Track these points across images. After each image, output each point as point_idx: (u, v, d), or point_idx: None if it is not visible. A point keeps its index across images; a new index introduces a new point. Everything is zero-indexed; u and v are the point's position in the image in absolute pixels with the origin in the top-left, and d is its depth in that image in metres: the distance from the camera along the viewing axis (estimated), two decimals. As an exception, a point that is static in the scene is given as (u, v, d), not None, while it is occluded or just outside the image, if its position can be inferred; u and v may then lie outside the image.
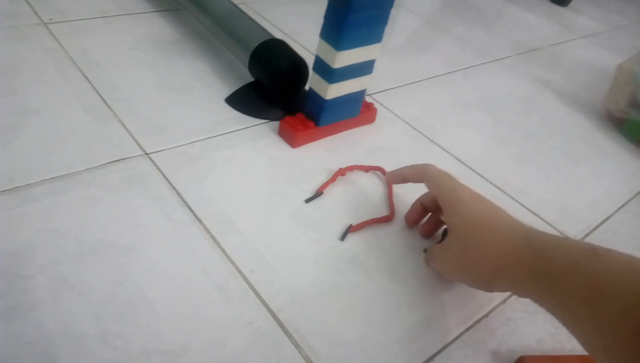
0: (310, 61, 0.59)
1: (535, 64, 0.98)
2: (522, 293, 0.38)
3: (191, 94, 0.63)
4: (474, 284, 0.42)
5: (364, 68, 0.57)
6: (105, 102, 0.58)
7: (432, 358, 0.41)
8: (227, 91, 0.65)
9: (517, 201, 0.60)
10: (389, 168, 0.60)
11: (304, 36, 0.83)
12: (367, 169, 0.58)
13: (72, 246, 0.42)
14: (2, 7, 0.71)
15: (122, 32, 0.72)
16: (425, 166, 0.48)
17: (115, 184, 0.48)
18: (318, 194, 0.52)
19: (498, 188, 0.62)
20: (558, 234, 0.56)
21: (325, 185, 0.54)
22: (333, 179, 0.55)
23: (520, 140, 0.72)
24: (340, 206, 0.53)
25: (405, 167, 0.51)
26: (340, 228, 0.50)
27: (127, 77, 0.63)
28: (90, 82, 0.61)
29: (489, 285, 0.40)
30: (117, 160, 0.51)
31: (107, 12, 0.76)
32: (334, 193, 0.54)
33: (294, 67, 0.60)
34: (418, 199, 0.51)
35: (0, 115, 0.53)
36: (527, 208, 0.60)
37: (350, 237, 0.49)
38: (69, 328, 0.36)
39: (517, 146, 0.71)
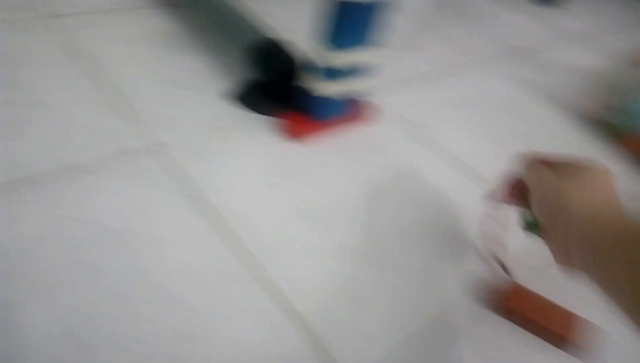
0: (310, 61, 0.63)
1: (522, 65, 1.02)
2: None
3: (194, 88, 0.66)
4: (557, 232, 0.38)
5: (363, 69, 0.61)
6: (113, 94, 0.61)
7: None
8: (229, 87, 0.68)
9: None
10: (381, 165, 0.63)
11: (302, 34, 0.86)
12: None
13: (93, 232, 0.45)
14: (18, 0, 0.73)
15: (128, 26, 0.74)
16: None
17: (128, 174, 0.51)
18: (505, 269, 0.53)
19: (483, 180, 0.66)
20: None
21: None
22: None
23: (508, 139, 0.76)
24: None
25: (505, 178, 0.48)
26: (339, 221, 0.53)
27: (132, 71, 0.66)
28: (98, 74, 0.63)
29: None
30: (127, 151, 0.54)
31: (114, 4, 0.78)
32: (336, 183, 0.58)
33: (294, 66, 0.64)
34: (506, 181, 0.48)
35: (13, 106, 0.55)
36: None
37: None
38: (93, 308, 0.40)
39: (505, 145, 0.75)
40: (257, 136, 0.62)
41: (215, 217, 0.50)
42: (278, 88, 0.65)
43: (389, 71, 0.84)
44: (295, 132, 0.61)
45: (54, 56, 0.64)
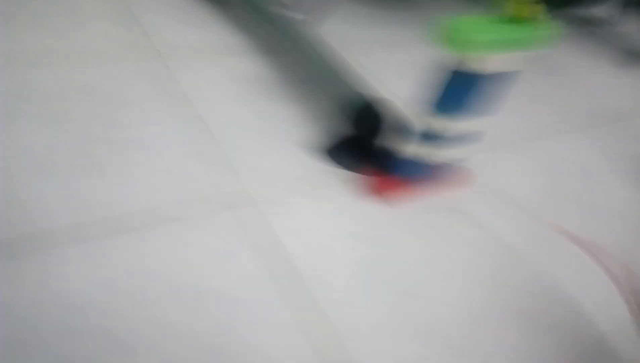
0: (405, 115, 0.60)
1: (611, 132, 0.94)
2: None
3: (285, 138, 0.65)
4: None
5: (470, 138, 0.57)
6: (213, 143, 0.61)
7: None
8: (324, 140, 0.66)
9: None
10: (465, 234, 0.59)
11: (397, 84, 0.84)
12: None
13: (182, 291, 0.43)
14: (122, 37, 0.76)
15: (228, 72, 0.75)
16: None
17: (225, 228, 0.50)
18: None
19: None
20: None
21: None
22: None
23: (575, 212, 0.69)
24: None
25: None
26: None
27: (232, 119, 0.66)
28: (200, 121, 0.63)
29: None
30: (209, 199, 0.53)
31: (215, 48, 0.80)
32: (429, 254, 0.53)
33: (394, 128, 0.61)
34: None
35: (112, 146, 0.56)
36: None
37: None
38: None
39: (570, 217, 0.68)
40: (341, 192, 0.59)
41: (292, 280, 0.47)
42: (368, 146, 0.62)
43: (490, 135, 0.79)
44: (381, 191, 0.58)
45: (153, 96, 0.66)
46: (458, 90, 0.50)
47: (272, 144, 0.63)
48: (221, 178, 0.56)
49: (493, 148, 0.76)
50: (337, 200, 0.58)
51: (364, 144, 0.63)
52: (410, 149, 0.56)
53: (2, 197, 0.47)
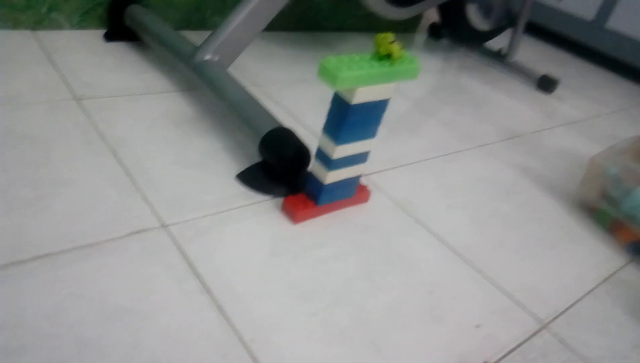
0: (312, 143, 0.68)
1: (518, 150, 1.07)
2: None
3: (204, 170, 0.71)
4: None
5: (360, 158, 0.65)
6: (128, 175, 0.65)
7: None
8: (238, 168, 0.73)
9: (493, 284, 0.67)
10: (377, 246, 0.66)
11: (306, 117, 0.92)
12: None
13: (95, 310, 0.47)
14: (39, 81, 0.80)
15: (144, 110, 0.81)
16: None
17: (136, 253, 0.55)
18: None
19: (478, 270, 0.68)
20: (529, 317, 0.62)
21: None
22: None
23: (499, 224, 0.79)
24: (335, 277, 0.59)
25: None
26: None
27: (147, 153, 0.71)
28: (115, 156, 0.68)
29: None
30: (137, 231, 0.58)
31: (132, 90, 0.85)
32: (333, 265, 0.60)
33: (299, 154, 0.68)
34: None
35: (35, 184, 0.60)
36: (501, 291, 0.66)
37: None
38: (90, 385, 0.41)
39: (497, 230, 0.78)
40: (261, 217, 0.65)
41: (211, 295, 0.52)
42: (285, 172, 0.70)
43: (386, 153, 0.88)
44: (296, 214, 0.65)
45: (76, 137, 0.70)
46: (339, 117, 0.59)
47: (187, 174, 0.69)
48: (135, 206, 0.61)
49: (392, 166, 0.86)
50: (248, 220, 0.64)
51: (273, 168, 0.70)
52: (320, 173, 0.64)
53: None
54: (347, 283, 0.59)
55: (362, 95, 0.56)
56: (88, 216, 0.58)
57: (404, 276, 0.63)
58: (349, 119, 0.58)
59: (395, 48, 0.56)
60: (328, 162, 0.62)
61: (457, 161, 0.95)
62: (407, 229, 0.72)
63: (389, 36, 0.56)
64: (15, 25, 0.93)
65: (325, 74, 0.53)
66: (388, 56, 0.56)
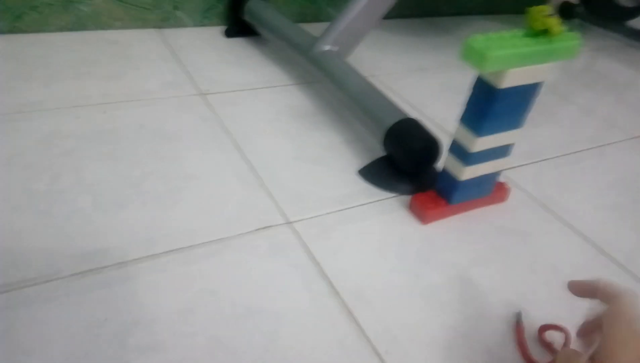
0: (440, 135, 0.61)
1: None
2: None
3: (326, 165, 0.68)
4: None
5: (502, 151, 0.58)
6: (253, 170, 0.64)
7: None
8: (359, 163, 0.68)
9: (667, 300, 0.55)
10: (521, 252, 0.58)
11: (429, 108, 0.86)
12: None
13: (227, 308, 0.46)
14: (166, 78, 0.82)
15: (265, 104, 0.80)
16: (620, 295, 0.39)
17: (263, 250, 0.53)
18: None
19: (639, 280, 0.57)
20: None
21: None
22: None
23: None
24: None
25: (600, 280, 0.41)
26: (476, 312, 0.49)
27: (270, 147, 0.69)
28: (240, 150, 0.68)
29: None
30: (264, 227, 0.56)
31: (253, 84, 0.85)
32: (470, 272, 0.54)
33: (429, 147, 0.62)
34: (596, 284, 0.41)
35: (166, 178, 0.61)
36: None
37: (486, 325, 0.48)
38: (224, 389, 0.40)
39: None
40: (386, 216, 0.60)
41: (340, 299, 0.48)
42: (413, 168, 0.64)
43: (523, 147, 0.79)
44: (426, 214, 0.59)
45: (203, 131, 0.70)
46: (483, 105, 0.52)
47: (309, 169, 0.66)
48: (260, 202, 0.59)
49: (532, 161, 0.76)
50: (373, 219, 0.60)
51: (399, 163, 0.65)
52: (454, 169, 0.58)
53: (73, 226, 0.52)
54: (490, 294, 0.52)
55: (512, 78, 0.49)
56: (216, 211, 0.57)
57: (554, 288, 0.54)
58: (495, 106, 0.51)
59: (554, 22, 0.48)
60: (465, 156, 0.56)
61: (607, 154, 0.83)
62: (554, 232, 0.63)
63: (545, 9, 0.48)
64: (144, 24, 0.97)
65: (472, 54, 0.46)
66: (544, 32, 0.48)
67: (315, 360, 0.43)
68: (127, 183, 0.59)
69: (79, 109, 0.71)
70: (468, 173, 0.57)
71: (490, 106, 0.51)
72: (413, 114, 0.67)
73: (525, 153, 0.78)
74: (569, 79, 1.11)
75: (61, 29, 0.91)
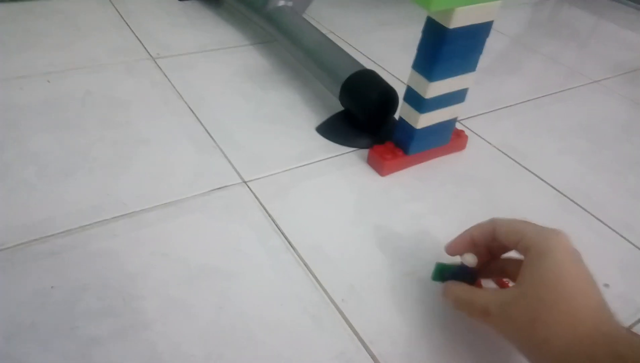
0: (399, 89, 0.60)
1: (637, 86, 0.91)
2: None
3: (283, 123, 0.66)
4: (529, 357, 0.35)
5: (457, 97, 0.57)
6: (207, 132, 0.62)
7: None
8: (317, 120, 0.67)
9: (620, 235, 0.56)
10: (480, 198, 0.58)
11: (390, 63, 0.84)
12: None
13: (180, 269, 0.45)
14: (115, 44, 0.79)
15: (220, 65, 0.77)
16: (493, 219, 0.41)
17: (218, 210, 0.52)
18: None
19: (601, 221, 0.58)
20: (672, 274, 0.52)
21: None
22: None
23: (623, 169, 0.68)
24: (433, 233, 0.52)
25: (468, 229, 0.43)
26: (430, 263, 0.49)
27: (225, 108, 0.67)
28: (193, 113, 0.65)
29: None
30: (219, 188, 0.54)
31: (206, 46, 0.82)
32: (430, 220, 0.54)
33: (385, 97, 0.61)
34: (470, 232, 0.43)
35: (115, 145, 0.59)
36: (632, 243, 0.55)
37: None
38: (176, 348, 0.39)
39: (620, 175, 0.66)
40: (345, 170, 0.60)
41: (297, 254, 0.48)
42: (369, 120, 0.63)
43: (484, 96, 0.78)
44: (384, 165, 0.58)
45: (154, 96, 0.68)
46: (433, 48, 0.51)
47: (266, 128, 0.65)
48: (215, 163, 0.58)
49: (491, 109, 0.76)
50: (331, 174, 0.59)
51: (356, 117, 0.64)
52: (410, 118, 0.57)
53: (17, 197, 0.50)
54: (446, 240, 0.52)
55: (461, 17, 0.47)
56: (169, 174, 0.55)
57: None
58: (446, 48, 0.50)
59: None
60: (420, 103, 0.55)
61: (566, 100, 0.83)
62: (514, 178, 0.63)
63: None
64: (92, -9, 0.93)
65: (416, -6, 0.45)
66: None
67: (272, 315, 0.43)
68: (74, 151, 0.57)
69: (22, 80, 0.68)
70: (424, 120, 0.56)
71: (441, 49, 0.50)
72: (372, 68, 0.66)
73: (486, 102, 0.78)
74: (534, 29, 1.10)
75: (3, 0, 0.86)
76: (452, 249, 0.44)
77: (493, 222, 0.41)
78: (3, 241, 0.45)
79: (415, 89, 0.55)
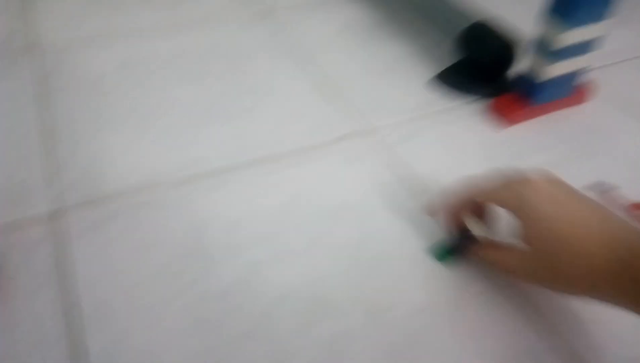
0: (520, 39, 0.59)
1: None
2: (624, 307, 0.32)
3: (399, 74, 0.67)
4: (568, 295, 0.39)
5: (588, 46, 0.55)
6: (327, 83, 0.65)
7: None
8: (430, 72, 0.67)
9: None
10: (607, 149, 0.57)
11: (509, 16, 0.81)
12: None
13: (318, 210, 0.49)
14: (237, 3, 0.82)
15: (331, 18, 0.79)
16: (468, 189, 0.42)
17: (350, 153, 0.55)
18: None
19: None
20: None
21: None
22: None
23: None
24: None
25: (447, 199, 0.44)
26: None
27: (340, 59, 0.70)
28: (312, 63, 0.68)
29: (585, 298, 0.36)
30: (346, 135, 0.58)
31: (324, 1, 0.83)
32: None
33: (512, 45, 0.60)
34: (451, 203, 0.43)
35: (242, 96, 0.63)
36: None
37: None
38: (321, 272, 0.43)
39: None
40: (466, 121, 0.60)
41: (422, 196, 0.50)
42: (489, 69, 0.63)
43: (614, 45, 0.74)
44: (507, 116, 0.58)
45: (272, 50, 0.71)
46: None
47: (384, 78, 0.66)
48: (341, 110, 0.61)
49: (617, 61, 0.72)
50: (453, 124, 0.60)
51: (487, 68, 0.63)
52: (536, 68, 0.56)
53: (167, 142, 0.56)
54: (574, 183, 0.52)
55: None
56: (298, 122, 0.59)
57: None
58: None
59: None
60: (550, 53, 0.54)
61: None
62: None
63: None
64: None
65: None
66: None
67: (403, 255, 0.46)
68: (205, 102, 0.62)
69: (147, 35, 0.74)
70: (551, 71, 0.55)
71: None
72: (490, 15, 0.65)
73: (609, 52, 0.74)
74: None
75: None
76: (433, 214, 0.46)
77: (469, 192, 0.42)
78: (159, 181, 0.51)
79: (547, 37, 0.54)
